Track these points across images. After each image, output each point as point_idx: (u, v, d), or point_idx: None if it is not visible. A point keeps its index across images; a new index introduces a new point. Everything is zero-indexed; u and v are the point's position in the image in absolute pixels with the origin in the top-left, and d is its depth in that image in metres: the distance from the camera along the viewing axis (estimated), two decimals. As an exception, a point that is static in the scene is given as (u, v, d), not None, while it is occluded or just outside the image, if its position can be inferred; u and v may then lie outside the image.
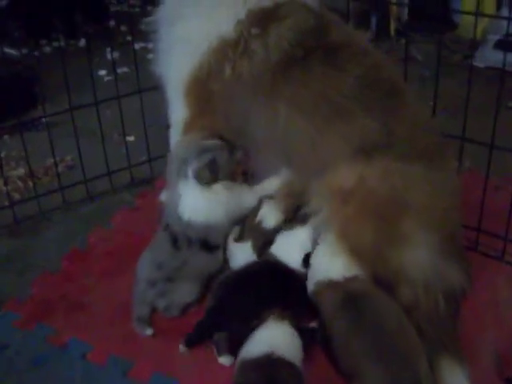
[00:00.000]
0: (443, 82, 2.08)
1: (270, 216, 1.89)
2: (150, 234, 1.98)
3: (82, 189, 2.46)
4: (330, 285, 1.70)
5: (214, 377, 1.64)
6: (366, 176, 1.68)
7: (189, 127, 1.90)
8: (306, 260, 1.78)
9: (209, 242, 1.84)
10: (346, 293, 1.66)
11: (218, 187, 1.84)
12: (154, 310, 1.81)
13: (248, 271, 1.80)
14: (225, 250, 1.90)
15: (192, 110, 1.87)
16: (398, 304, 1.65)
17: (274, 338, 1.61)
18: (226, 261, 1.90)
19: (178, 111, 1.91)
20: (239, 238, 1.90)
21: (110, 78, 3.47)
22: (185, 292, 1.80)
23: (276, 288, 1.76)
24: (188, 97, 1.86)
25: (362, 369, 1.55)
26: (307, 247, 1.80)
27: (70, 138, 2.44)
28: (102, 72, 3.57)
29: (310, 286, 1.75)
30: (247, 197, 1.92)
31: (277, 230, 1.89)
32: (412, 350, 1.56)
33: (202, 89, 1.84)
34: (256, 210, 1.91)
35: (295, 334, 1.63)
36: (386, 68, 1.84)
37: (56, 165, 2.43)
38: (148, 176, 2.56)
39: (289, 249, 1.82)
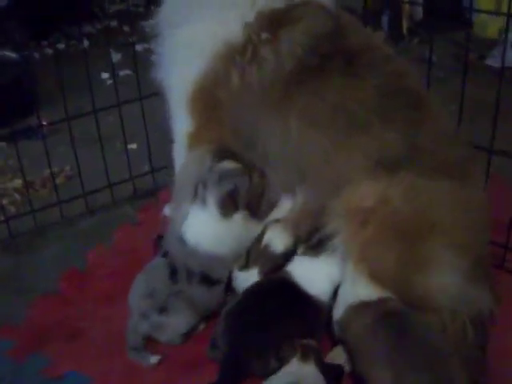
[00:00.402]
0: (458, 82, 1.93)
1: (276, 239, 1.72)
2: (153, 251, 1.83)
3: (82, 202, 2.30)
4: (363, 306, 1.52)
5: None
6: (388, 194, 1.52)
7: (194, 140, 1.73)
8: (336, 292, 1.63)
9: (211, 277, 1.67)
10: (382, 311, 1.49)
11: (238, 218, 1.69)
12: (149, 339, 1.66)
13: (256, 297, 1.63)
14: (230, 282, 1.73)
15: (197, 121, 1.70)
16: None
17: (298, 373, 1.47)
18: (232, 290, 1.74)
19: (182, 123, 1.74)
20: (245, 267, 1.73)
21: (111, 81, 3.32)
22: (181, 322, 1.64)
23: (291, 313, 1.60)
24: (192, 107, 1.69)
25: None
26: (336, 278, 1.63)
27: (71, 145, 2.28)
28: (105, 75, 3.41)
29: (338, 312, 1.58)
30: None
31: (287, 254, 1.72)
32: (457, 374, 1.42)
33: (207, 98, 1.67)
34: (261, 234, 1.74)
35: (321, 376, 1.48)
36: (408, 75, 1.68)
37: (53, 177, 2.27)
38: (151, 187, 2.39)
39: (314, 277, 1.64)
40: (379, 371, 1.44)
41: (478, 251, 1.59)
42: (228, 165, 1.69)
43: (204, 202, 1.68)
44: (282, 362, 1.49)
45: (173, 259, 1.68)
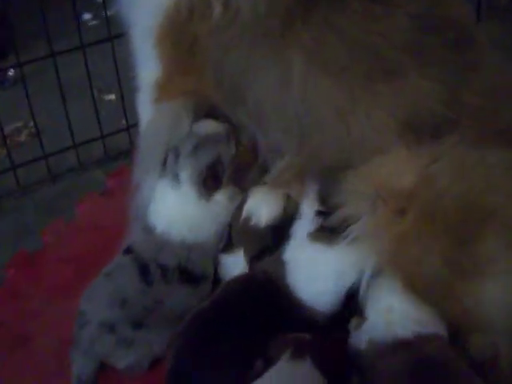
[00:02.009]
0: (489, 27, 1.53)
1: (259, 208, 1.21)
2: (124, 229, 1.34)
3: (43, 166, 1.80)
4: (397, 346, 1.01)
5: None
6: (431, 171, 1.03)
7: (164, 90, 1.21)
8: (350, 303, 1.10)
9: (193, 272, 1.17)
10: (418, 358, 0.99)
11: (220, 197, 1.20)
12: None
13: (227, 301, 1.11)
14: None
15: (167, 65, 1.18)
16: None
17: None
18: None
19: (149, 67, 1.21)
20: (228, 247, 1.22)
21: (95, 22, 2.79)
22: (158, 342, 1.12)
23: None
24: (161, 46, 1.17)
25: None
26: (348, 279, 1.11)
27: (42, 94, 1.83)
28: (87, 16, 2.87)
29: (362, 341, 1.06)
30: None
31: (277, 228, 1.20)
32: None
33: (181, 34, 1.15)
34: (241, 204, 1.23)
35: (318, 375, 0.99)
36: (455, 4, 1.15)
37: (4, 136, 1.75)
38: (126, 148, 1.87)
39: (317, 276, 1.11)
40: None
41: None
42: (208, 126, 1.19)
43: (176, 177, 1.18)
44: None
45: (140, 253, 1.18)
